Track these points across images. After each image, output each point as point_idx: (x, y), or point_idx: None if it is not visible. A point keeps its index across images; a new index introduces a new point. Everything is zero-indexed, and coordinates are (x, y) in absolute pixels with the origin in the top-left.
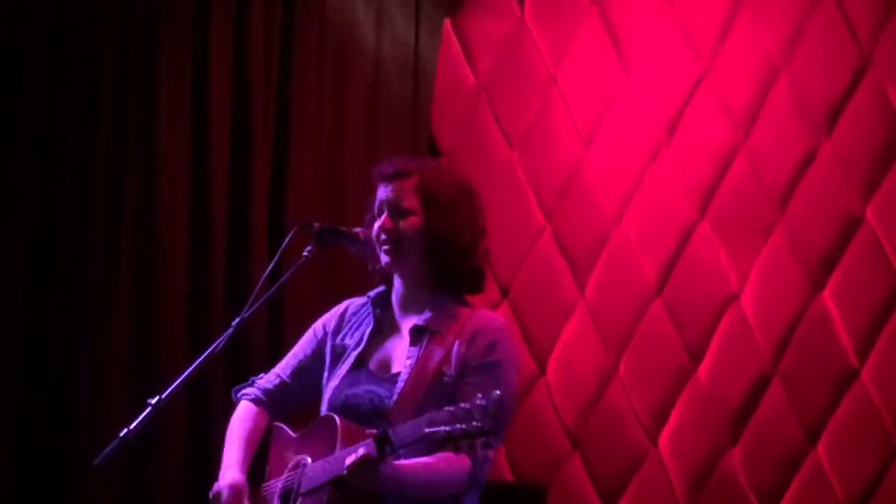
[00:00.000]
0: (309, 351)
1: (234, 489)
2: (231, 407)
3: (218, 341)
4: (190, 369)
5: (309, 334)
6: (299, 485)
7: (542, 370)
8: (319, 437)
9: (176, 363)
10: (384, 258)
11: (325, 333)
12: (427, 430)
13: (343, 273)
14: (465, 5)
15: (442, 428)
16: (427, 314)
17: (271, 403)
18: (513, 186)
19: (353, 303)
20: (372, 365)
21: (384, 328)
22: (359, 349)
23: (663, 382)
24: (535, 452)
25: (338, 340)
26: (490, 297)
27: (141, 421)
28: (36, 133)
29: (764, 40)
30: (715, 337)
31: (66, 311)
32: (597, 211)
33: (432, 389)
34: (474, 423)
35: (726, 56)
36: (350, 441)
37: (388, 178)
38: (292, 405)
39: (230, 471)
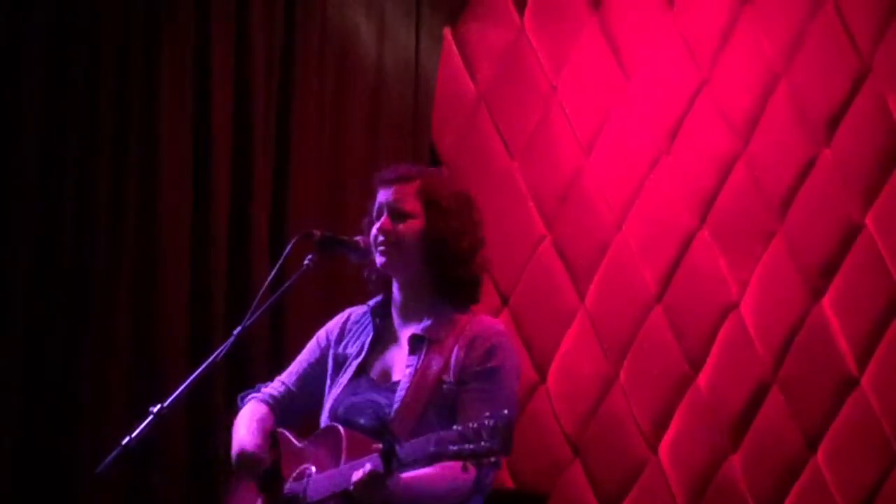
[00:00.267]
0: (313, 359)
1: (244, 456)
2: (233, 414)
3: (219, 350)
4: (192, 377)
5: (312, 343)
6: (305, 495)
7: (543, 377)
8: (324, 446)
9: (176, 364)
10: (379, 259)
11: (328, 342)
12: (433, 448)
13: (344, 281)
14: (466, 14)
15: (450, 448)
16: (426, 322)
17: (278, 409)
18: (513, 194)
19: (355, 311)
20: (373, 374)
21: (384, 337)
22: (360, 358)
23: (663, 390)
24: (535, 459)
25: (340, 349)
26: (490, 305)
27: (143, 429)
28: (36, 133)
29: (764, 48)
30: (715, 344)
31: (67, 312)
32: (597, 219)
33: (433, 397)
34: (483, 444)
35: (726, 64)
36: (355, 452)
37: (389, 182)
38: (296, 413)
39: (243, 440)
